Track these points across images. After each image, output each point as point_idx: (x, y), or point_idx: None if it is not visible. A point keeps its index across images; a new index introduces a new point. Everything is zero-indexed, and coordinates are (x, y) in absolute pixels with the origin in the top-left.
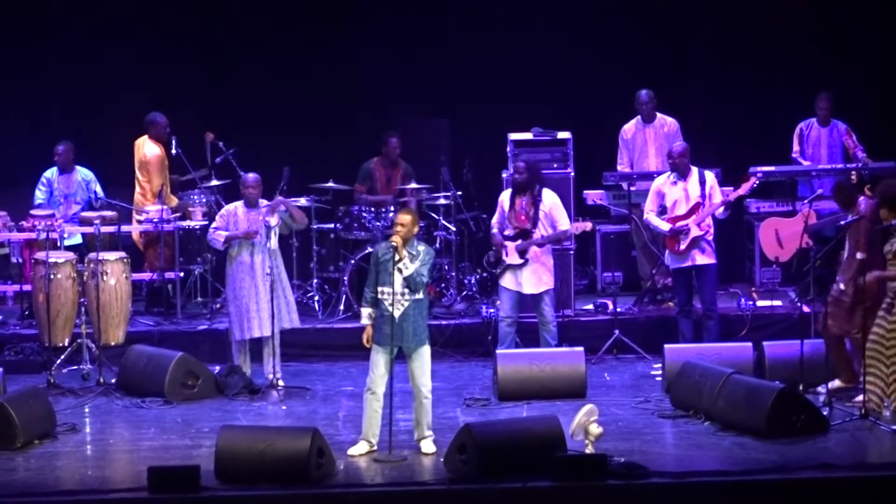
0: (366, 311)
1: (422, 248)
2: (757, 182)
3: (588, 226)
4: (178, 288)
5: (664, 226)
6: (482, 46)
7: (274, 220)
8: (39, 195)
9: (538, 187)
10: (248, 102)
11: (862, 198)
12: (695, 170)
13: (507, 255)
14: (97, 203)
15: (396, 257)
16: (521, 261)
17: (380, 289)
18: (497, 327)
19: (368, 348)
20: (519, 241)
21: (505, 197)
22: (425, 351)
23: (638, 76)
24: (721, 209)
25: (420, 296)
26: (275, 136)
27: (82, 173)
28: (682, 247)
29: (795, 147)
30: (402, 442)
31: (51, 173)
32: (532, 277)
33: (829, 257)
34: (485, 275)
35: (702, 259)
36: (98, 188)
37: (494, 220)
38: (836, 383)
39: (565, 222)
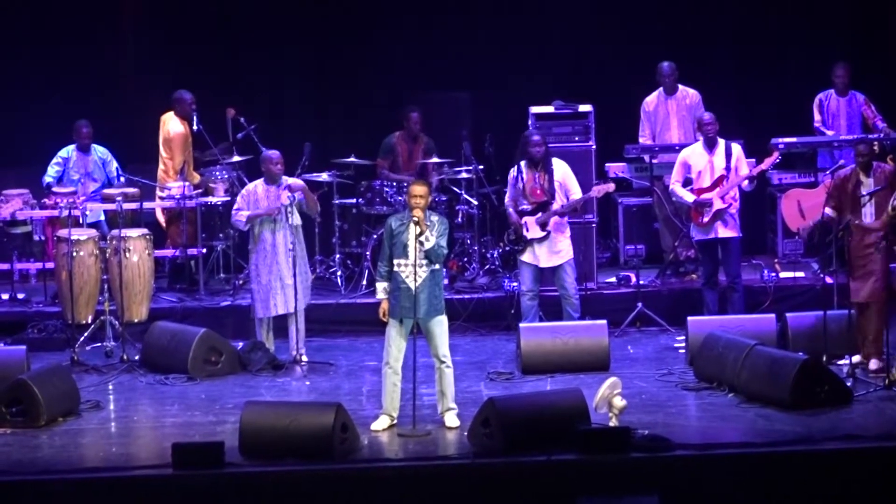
0: (381, 286)
1: (435, 218)
2: (780, 157)
3: (611, 187)
4: (200, 264)
5: (689, 197)
6: (503, 19)
7: (286, 199)
8: (51, 172)
9: (549, 158)
10: (270, 77)
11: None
12: (721, 142)
13: (527, 230)
14: (118, 182)
15: (418, 230)
16: (544, 233)
17: (396, 261)
18: (520, 301)
19: (386, 322)
20: (539, 214)
21: (516, 173)
22: (443, 320)
23: (659, 48)
24: (745, 182)
25: (437, 266)
26: (296, 112)
27: (99, 152)
28: (706, 219)
29: (817, 117)
30: (425, 416)
31: (67, 152)
32: (548, 250)
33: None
34: (507, 248)
35: (725, 232)
36: (115, 166)
37: (507, 198)
38: (858, 358)
39: (578, 190)
